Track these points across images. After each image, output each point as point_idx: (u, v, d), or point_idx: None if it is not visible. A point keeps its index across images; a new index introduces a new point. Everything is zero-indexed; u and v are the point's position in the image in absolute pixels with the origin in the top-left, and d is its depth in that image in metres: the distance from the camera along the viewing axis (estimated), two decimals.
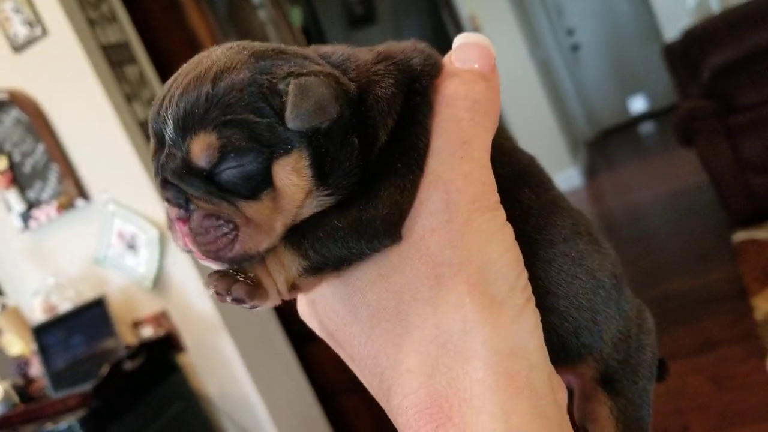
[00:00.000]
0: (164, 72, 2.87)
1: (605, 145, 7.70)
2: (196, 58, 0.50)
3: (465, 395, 0.43)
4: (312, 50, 0.52)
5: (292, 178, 0.46)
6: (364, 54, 0.52)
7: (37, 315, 2.81)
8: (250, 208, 0.46)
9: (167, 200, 0.47)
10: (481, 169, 0.48)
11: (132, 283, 2.75)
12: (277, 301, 0.48)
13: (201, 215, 0.46)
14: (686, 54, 4.45)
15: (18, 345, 2.84)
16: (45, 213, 2.77)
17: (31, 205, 2.81)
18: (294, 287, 0.49)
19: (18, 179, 2.81)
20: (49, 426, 2.44)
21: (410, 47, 0.53)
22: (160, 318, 2.77)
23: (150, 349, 2.66)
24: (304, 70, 0.47)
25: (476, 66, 0.51)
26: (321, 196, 0.47)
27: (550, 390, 0.44)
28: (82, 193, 2.72)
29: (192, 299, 2.71)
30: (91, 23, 2.66)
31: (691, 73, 4.42)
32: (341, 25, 4.72)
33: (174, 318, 2.76)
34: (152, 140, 0.49)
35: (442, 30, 4.96)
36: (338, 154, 0.47)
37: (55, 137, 2.70)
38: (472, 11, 6.10)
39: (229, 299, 0.46)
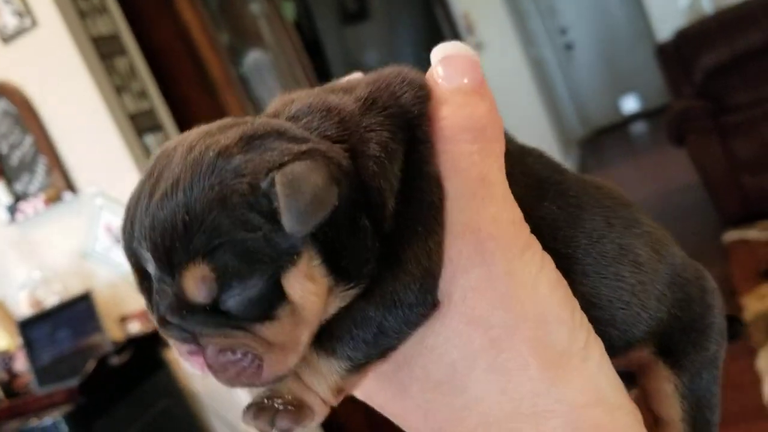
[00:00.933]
0: (155, 64, 2.85)
1: (597, 144, 7.70)
2: (154, 166, 0.43)
3: None
4: (281, 107, 0.46)
5: (308, 285, 0.40)
6: (345, 103, 0.44)
7: (23, 309, 2.77)
8: (269, 330, 0.41)
9: (173, 338, 0.42)
10: (506, 206, 0.43)
11: (119, 278, 2.72)
12: (327, 412, 0.44)
13: (215, 351, 0.41)
14: (679, 54, 4.45)
15: (3, 339, 2.81)
16: (32, 206, 2.74)
17: (18, 197, 2.78)
18: (340, 391, 0.44)
19: (5, 171, 2.77)
20: (34, 422, 2.41)
21: (395, 79, 0.46)
22: (148, 314, 2.74)
23: (137, 345, 2.63)
24: (285, 158, 0.39)
25: (465, 81, 0.45)
26: (343, 291, 0.42)
27: (634, 420, 0.43)
28: (70, 186, 2.69)
29: None
30: (82, 14, 2.63)
31: (684, 73, 4.43)
32: (334, 21, 4.71)
33: None
34: (132, 268, 0.43)
35: (435, 27, 4.95)
36: (350, 242, 0.41)
37: (44, 129, 2.67)
38: (466, 9, 6.09)
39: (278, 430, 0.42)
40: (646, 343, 0.52)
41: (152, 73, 2.85)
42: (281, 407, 0.43)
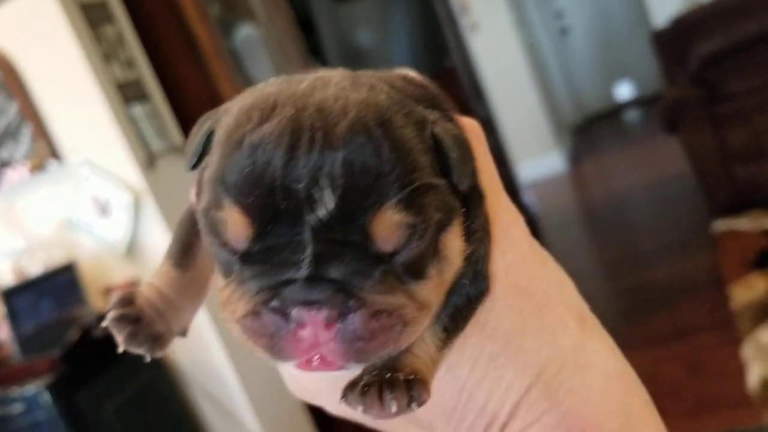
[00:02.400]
0: (143, 33, 2.80)
1: (590, 131, 7.70)
2: (304, 97, 0.38)
3: (591, 405, 0.46)
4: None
5: (457, 243, 0.40)
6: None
7: (7, 278, 2.74)
8: (422, 289, 0.39)
9: (309, 304, 0.37)
10: (507, 198, 0.50)
11: (104, 249, 2.69)
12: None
13: (367, 315, 0.37)
14: (675, 42, 4.44)
15: None
16: (17, 174, 2.70)
17: (3, 164, 2.74)
18: (436, 364, 0.44)
19: None
20: (16, 391, 2.39)
21: (424, 85, 0.49)
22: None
23: None
24: (437, 116, 0.41)
25: None
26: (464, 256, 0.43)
27: (635, 376, 0.51)
28: (55, 154, 2.65)
29: None
30: None
31: (679, 60, 4.41)
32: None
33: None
34: (252, 213, 0.37)
35: (429, 6, 4.90)
36: (475, 207, 0.43)
37: (29, 96, 2.62)
38: None
39: (415, 405, 0.39)
40: None
41: (141, 42, 2.80)
42: (411, 377, 0.40)
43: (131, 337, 0.48)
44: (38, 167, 2.66)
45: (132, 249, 2.66)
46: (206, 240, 0.41)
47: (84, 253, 2.72)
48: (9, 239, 2.81)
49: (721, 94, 4.17)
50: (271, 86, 0.41)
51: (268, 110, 0.39)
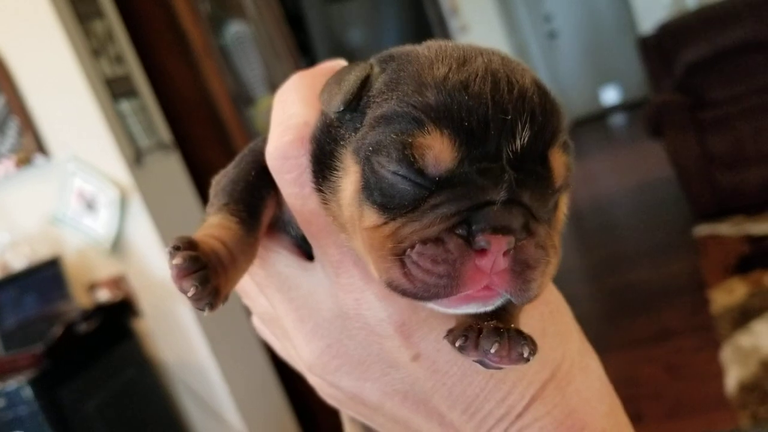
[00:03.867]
0: (133, 29, 2.79)
1: (576, 134, 7.74)
2: (482, 56, 0.43)
3: (591, 404, 0.50)
4: None
5: (564, 206, 0.45)
6: None
7: None
8: (552, 235, 0.42)
9: (501, 229, 0.38)
10: None
11: (90, 245, 2.68)
12: None
13: (534, 244, 0.40)
14: (660, 48, 4.48)
15: None
16: (3, 168, 2.68)
17: None
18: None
19: None
20: None
21: None
22: (118, 282, 2.71)
23: (105, 313, 2.60)
24: None
25: None
26: None
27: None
28: (42, 149, 2.63)
29: (152, 264, 2.66)
30: None
31: (665, 66, 4.46)
32: None
33: (132, 283, 2.70)
34: (461, 137, 0.39)
35: (419, 6, 4.92)
36: None
37: (16, 90, 2.60)
38: None
39: (532, 357, 0.41)
40: None
41: (130, 38, 2.79)
42: (513, 331, 0.41)
43: (202, 283, 0.42)
44: (24, 161, 2.65)
45: (118, 245, 2.65)
46: (381, 172, 0.41)
47: (69, 248, 2.72)
48: None
49: (704, 101, 4.22)
50: (442, 46, 0.45)
51: (461, 59, 0.42)
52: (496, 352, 0.40)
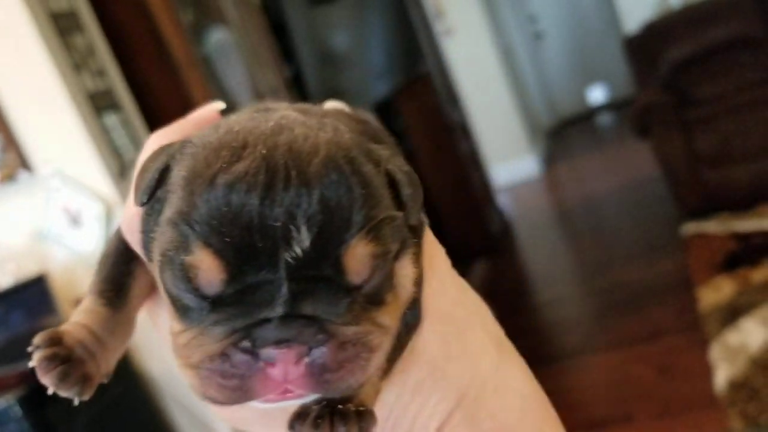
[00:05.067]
0: (114, 42, 2.79)
1: (564, 134, 7.77)
2: (272, 136, 0.39)
3: (508, 426, 0.48)
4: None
5: (411, 271, 0.43)
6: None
7: None
8: (383, 315, 0.40)
9: (280, 343, 0.37)
10: (431, 235, 0.51)
11: (76, 260, 2.67)
12: None
13: (335, 347, 0.38)
14: (646, 47, 4.50)
15: None
16: None
17: None
18: (378, 396, 0.45)
19: None
20: None
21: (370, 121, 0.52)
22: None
23: None
24: (388, 153, 0.43)
25: None
26: None
27: (545, 397, 0.53)
28: (25, 164, 2.62)
29: None
30: None
31: (650, 65, 4.48)
32: (301, 2, 4.65)
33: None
34: (226, 255, 0.37)
35: (403, 11, 4.92)
36: (418, 236, 0.46)
37: None
38: None
39: None
40: None
41: (112, 51, 2.79)
42: (360, 408, 0.40)
43: (62, 378, 0.45)
44: (8, 177, 2.64)
45: None
46: (169, 284, 0.40)
47: (55, 264, 2.70)
48: None
49: (690, 99, 4.24)
50: (235, 124, 0.42)
51: (239, 149, 0.39)
52: None
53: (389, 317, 0.41)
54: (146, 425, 2.68)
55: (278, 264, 0.36)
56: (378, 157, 0.41)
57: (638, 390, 2.83)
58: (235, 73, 3.44)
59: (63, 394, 0.46)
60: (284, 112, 0.44)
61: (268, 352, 0.37)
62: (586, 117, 7.87)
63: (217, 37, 3.38)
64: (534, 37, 7.83)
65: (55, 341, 0.47)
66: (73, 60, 2.59)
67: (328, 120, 0.43)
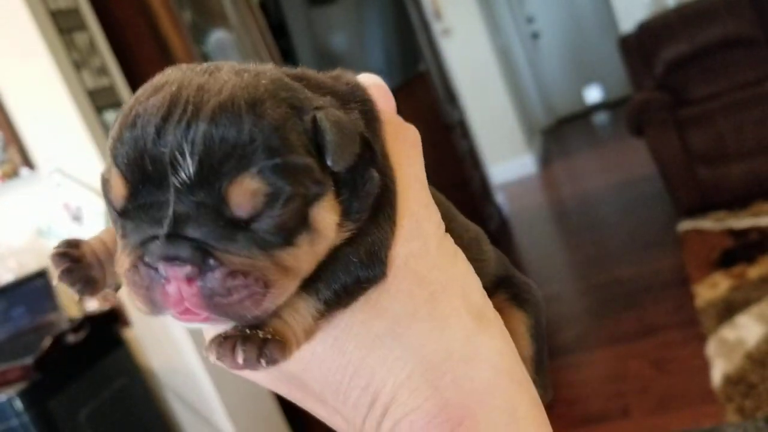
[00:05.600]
0: (115, 40, 2.80)
1: (560, 133, 7.80)
2: (193, 79, 0.43)
3: (474, 397, 0.46)
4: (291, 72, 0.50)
5: (329, 217, 0.44)
6: (334, 83, 0.51)
7: None
8: (287, 255, 0.42)
9: (170, 259, 0.41)
10: (430, 200, 0.53)
11: None
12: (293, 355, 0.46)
13: (224, 273, 0.40)
14: (641, 46, 4.53)
15: None
16: None
17: None
18: (309, 333, 0.46)
19: None
20: None
21: (353, 80, 0.53)
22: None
23: (94, 323, 2.61)
24: (327, 102, 0.45)
25: (393, 105, 0.55)
26: (342, 232, 0.46)
27: (528, 377, 0.51)
28: (27, 161, 2.64)
29: None
30: None
31: (645, 65, 4.51)
32: (300, 2, 4.66)
33: (120, 292, 2.71)
34: (126, 175, 0.42)
35: (402, 12, 4.94)
36: (361, 188, 0.46)
37: (0, 104, 2.61)
38: None
39: (264, 362, 0.42)
40: (498, 291, 0.63)
41: (112, 49, 2.80)
42: (269, 336, 0.43)
43: (67, 273, 0.49)
44: (10, 175, 2.66)
45: None
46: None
47: None
48: None
49: (685, 98, 4.27)
50: (176, 69, 0.46)
51: (159, 87, 0.43)
52: (216, 359, 0.43)
53: (296, 259, 0.43)
54: (147, 417, 2.69)
55: (168, 187, 0.41)
56: (302, 104, 0.44)
57: (635, 385, 2.86)
58: None
59: (68, 287, 0.50)
60: (226, 63, 0.47)
61: (162, 267, 0.41)
62: (582, 116, 7.90)
63: (217, 37, 3.40)
64: (531, 37, 7.86)
65: (73, 245, 0.51)
66: (74, 58, 2.61)
67: (261, 69, 0.46)
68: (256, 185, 0.40)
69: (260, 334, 0.42)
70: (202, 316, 0.42)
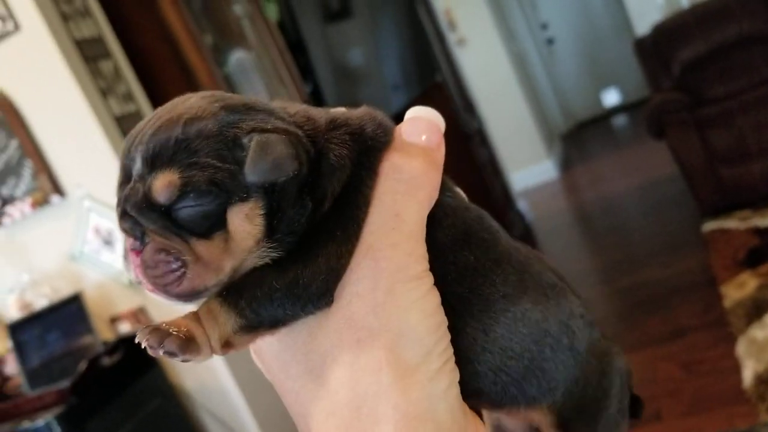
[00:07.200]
0: (139, 66, 2.87)
1: (580, 137, 7.78)
2: (170, 104, 0.52)
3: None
4: (279, 105, 0.54)
5: (245, 224, 0.48)
6: (320, 116, 0.53)
7: (12, 312, 2.79)
8: (202, 246, 0.48)
9: (124, 231, 0.49)
10: (408, 240, 0.50)
11: (109, 279, 2.74)
12: (209, 357, 0.49)
13: (153, 248, 0.48)
14: (656, 48, 4.52)
15: None
16: (19, 209, 2.75)
17: (5, 201, 2.79)
18: (228, 344, 0.49)
19: None
20: (26, 424, 2.43)
21: (365, 115, 0.54)
22: (138, 314, 2.76)
23: (128, 345, 2.66)
24: (269, 126, 0.49)
25: (423, 139, 0.54)
26: (265, 248, 0.49)
27: None
28: (57, 188, 2.70)
29: None
30: (65, 18, 2.64)
31: (662, 66, 4.49)
32: (317, 20, 4.71)
33: (152, 313, 2.76)
34: (120, 173, 0.51)
35: (417, 24, 4.98)
36: (289, 211, 0.49)
37: (29, 133, 2.68)
38: (447, 5, 6.13)
39: (161, 352, 0.47)
40: (544, 413, 0.58)
41: (137, 75, 2.86)
42: (174, 332, 0.47)
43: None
44: (41, 202, 2.72)
45: None
46: None
47: (89, 284, 2.78)
48: (13, 273, 2.86)
49: (704, 98, 4.25)
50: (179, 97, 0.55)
51: (165, 108, 0.51)
52: (138, 339, 0.48)
53: (209, 251, 0.48)
54: None
55: (131, 177, 0.49)
56: (240, 126, 0.49)
57: (666, 388, 2.84)
58: (255, 91, 3.51)
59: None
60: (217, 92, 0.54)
61: (126, 240, 0.50)
62: (601, 119, 7.88)
63: (237, 57, 3.46)
64: (546, 43, 7.86)
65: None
66: (100, 85, 2.67)
67: (234, 97, 0.52)
68: (172, 176, 0.47)
69: (167, 327, 0.48)
70: (149, 287, 0.49)
